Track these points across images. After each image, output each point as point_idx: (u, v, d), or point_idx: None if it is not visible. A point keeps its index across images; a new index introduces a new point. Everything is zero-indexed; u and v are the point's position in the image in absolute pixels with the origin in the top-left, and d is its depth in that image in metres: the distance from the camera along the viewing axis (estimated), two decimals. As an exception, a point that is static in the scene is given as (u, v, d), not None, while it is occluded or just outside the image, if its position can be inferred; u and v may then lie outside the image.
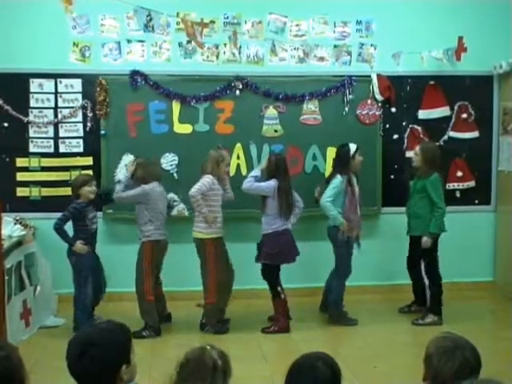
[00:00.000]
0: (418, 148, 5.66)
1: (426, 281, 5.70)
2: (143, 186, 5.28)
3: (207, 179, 5.24)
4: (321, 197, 5.60)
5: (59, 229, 5.14)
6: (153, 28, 5.82)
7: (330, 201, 5.36)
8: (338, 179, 5.39)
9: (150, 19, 5.61)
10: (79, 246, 5.18)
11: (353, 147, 5.50)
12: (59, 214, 5.68)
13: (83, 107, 6.06)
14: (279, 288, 5.40)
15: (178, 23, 5.90)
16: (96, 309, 5.43)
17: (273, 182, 5.30)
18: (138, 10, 5.18)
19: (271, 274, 5.41)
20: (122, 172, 5.50)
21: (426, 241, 5.48)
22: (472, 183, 6.56)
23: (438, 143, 6.37)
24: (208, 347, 2.24)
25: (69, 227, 5.24)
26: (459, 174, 6.49)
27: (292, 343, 5.18)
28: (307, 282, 6.24)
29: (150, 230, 5.30)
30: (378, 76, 6.26)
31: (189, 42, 5.96)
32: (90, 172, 5.94)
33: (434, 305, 5.60)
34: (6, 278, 4.79)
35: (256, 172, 5.45)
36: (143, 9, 5.20)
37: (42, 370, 4.39)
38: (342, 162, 5.49)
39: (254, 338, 5.27)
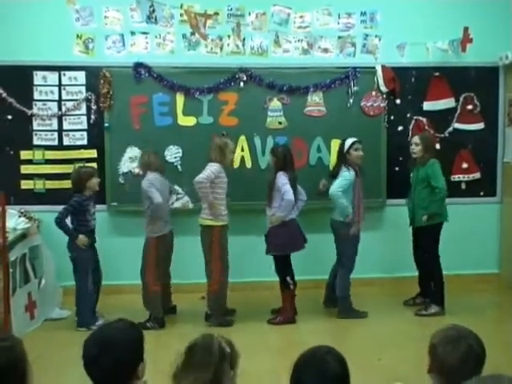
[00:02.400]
0: (416, 138, 5.65)
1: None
2: (150, 185, 5.24)
3: (215, 167, 5.22)
4: (325, 189, 5.59)
5: (60, 222, 5.12)
6: (155, 19, 5.80)
7: (341, 191, 5.34)
8: (349, 172, 5.38)
9: (153, 10, 5.58)
10: (82, 239, 5.18)
11: (348, 142, 5.49)
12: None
13: (87, 100, 6.06)
14: (288, 278, 5.40)
15: (181, 15, 5.89)
16: (98, 302, 5.45)
17: (286, 179, 5.29)
18: (141, 1, 5.14)
19: (280, 265, 5.42)
20: (125, 165, 5.49)
21: (424, 218, 5.51)
22: (477, 175, 6.53)
23: (442, 135, 6.38)
24: (216, 335, 2.22)
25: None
26: (464, 165, 6.46)
27: (297, 335, 5.18)
28: (312, 274, 6.22)
29: (155, 227, 5.28)
30: (383, 67, 6.22)
31: (192, 33, 5.95)
32: (95, 164, 5.96)
33: (436, 295, 5.61)
34: (11, 270, 4.80)
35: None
36: (146, 0, 5.16)
37: (47, 361, 4.42)
38: (340, 156, 5.52)
39: (259, 329, 5.28)
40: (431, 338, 2.26)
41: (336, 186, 5.36)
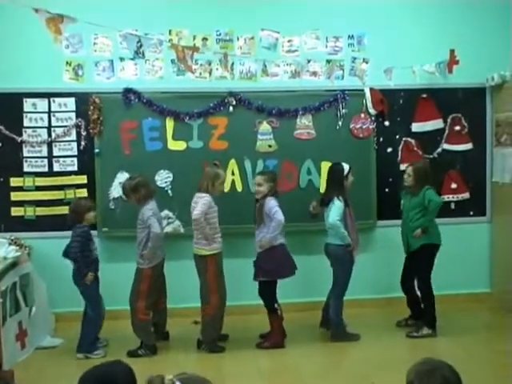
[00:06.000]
0: (410, 169, 5.65)
1: (419, 294, 5.74)
2: (153, 215, 5.21)
3: (207, 198, 5.21)
4: (315, 212, 5.61)
5: (77, 258, 5.10)
6: (143, 54, 5.88)
7: (339, 219, 5.34)
8: (340, 201, 5.38)
9: (140, 46, 5.63)
10: (90, 277, 5.17)
11: (346, 167, 5.51)
12: (54, 233, 5.78)
13: (77, 126, 6.06)
14: (276, 305, 5.39)
15: (170, 40, 5.93)
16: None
17: (276, 203, 5.30)
18: (128, 36, 5.16)
19: (269, 291, 5.39)
20: (116, 191, 5.47)
21: (417, 232, 5.50)
22: (466, 195, 6.57)
23: (431, 156, 6.41)
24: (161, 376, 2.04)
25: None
26: (453, 185, 6.50)
27: (289, 359, 5.16)
28: (303, 296, 6.24)
29: (152, 258, 5.23)
30: (371, 90, 6.27)
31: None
32: (85, 190, 5.98)
33: (427, 318, 5.61)
34: (1, 300, 4.76)
35: None
36: (132, 35, 5.18)
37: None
38: (337, 182, 5.48)
39: (251, 354, 5.25)
40: (407, 375, 2.25)
41: (334, 215, 5.34)
